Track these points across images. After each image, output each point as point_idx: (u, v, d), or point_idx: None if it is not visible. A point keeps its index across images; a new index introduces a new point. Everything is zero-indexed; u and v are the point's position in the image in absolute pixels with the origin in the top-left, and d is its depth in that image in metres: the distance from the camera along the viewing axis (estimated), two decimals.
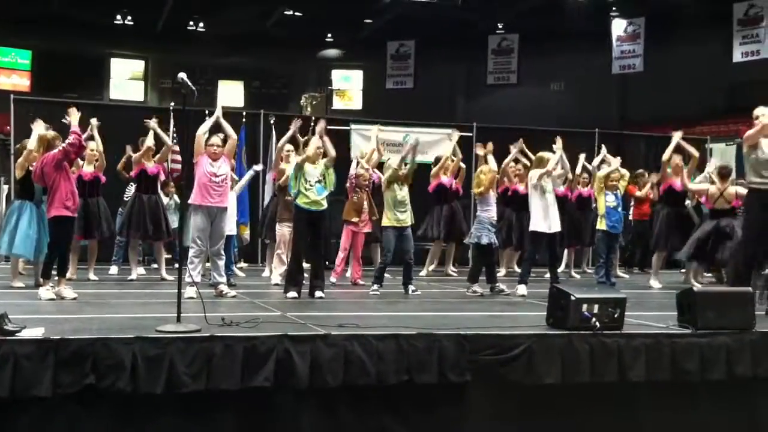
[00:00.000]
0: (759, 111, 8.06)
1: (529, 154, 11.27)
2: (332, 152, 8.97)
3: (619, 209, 10.43)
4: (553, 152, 9.85)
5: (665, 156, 11.08)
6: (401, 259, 9.59)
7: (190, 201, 8.39)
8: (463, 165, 12.35)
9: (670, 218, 11.10)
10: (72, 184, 8.03)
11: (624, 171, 11.39)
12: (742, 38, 24.01)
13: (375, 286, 9.32)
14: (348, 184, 10.64)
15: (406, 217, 9.53)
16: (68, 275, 8.87)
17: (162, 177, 10.90)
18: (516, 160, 11.85)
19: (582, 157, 12.00)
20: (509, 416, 6.10)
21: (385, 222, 9.61)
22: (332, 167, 8.96)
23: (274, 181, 11.27)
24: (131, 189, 11.43)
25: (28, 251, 9.03)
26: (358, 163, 10.80)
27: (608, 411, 6.28)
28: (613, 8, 27.16)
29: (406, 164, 9.82)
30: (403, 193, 9.52)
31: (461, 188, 12.36)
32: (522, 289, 9.40)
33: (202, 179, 8.45)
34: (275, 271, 10.35)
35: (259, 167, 10.82)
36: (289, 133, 9.90)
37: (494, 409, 6.08)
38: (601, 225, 10.39)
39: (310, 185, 8.66)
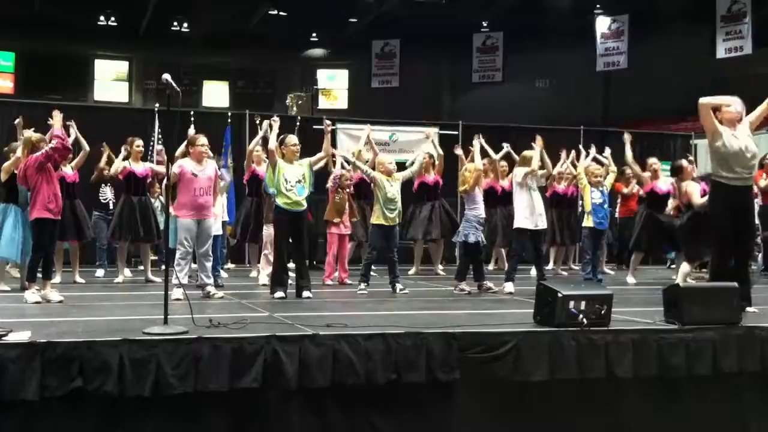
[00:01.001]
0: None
1: (514, 155, 11.28)
2: (329, 150, 9.11)
3: (605, 206, 10.45)
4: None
5: (627, 158, 11.24)
6: (385, 257, 9.58)
7: (174, 213, 8.32)
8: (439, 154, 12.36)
9: (649, 220, 11.12)
10: (55, 186, 7.95)
11: (613, 167, 11.45)
12: (725, 34, 24.11)
13: (362, 285, 9.31)
14: (330, 184, 10.63)
15: (395, 216, 9.49)
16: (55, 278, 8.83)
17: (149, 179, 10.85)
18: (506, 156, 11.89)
19: (563, 154, 12.02)
20: (498, 413, 6.12)
21: (373, 219, 9.59)
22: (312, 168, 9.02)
23: (247, 183, 11.30)
24: (106, 190, 11.35)
25: (13, 254, 8.99)
26: (336, 163, 10.84)
27: (596, 407, 6.30)
28: (597, 5, 27.26)
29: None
30: (393, 190, 9.46)
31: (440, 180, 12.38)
32: (509, 286, 9.43)
33: (186, 191, 8.41)
34: (263, 271, 10.34)
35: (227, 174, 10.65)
36: (260, 135, 10.15)
37: (483, 407, 6.09)
38: (587, 222, 10.42)
39: (291, 186, 8.64)
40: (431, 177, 12.09)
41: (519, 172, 9.72)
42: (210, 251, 8.73)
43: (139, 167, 10.44)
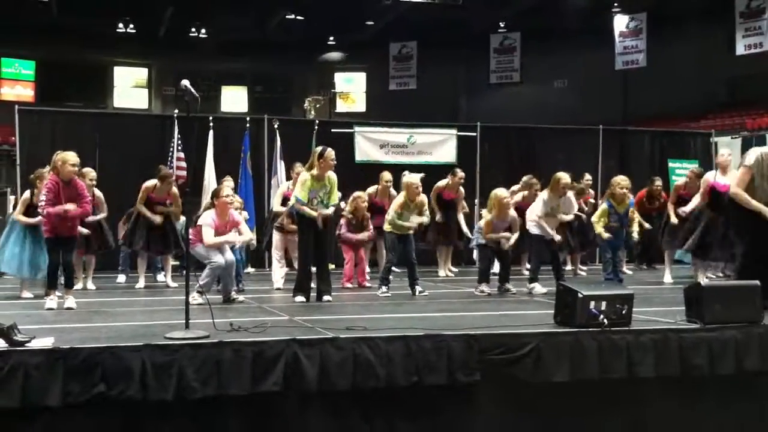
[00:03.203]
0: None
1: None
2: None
3: (621, 228, 10.15)
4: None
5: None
6: (404, 260, 9.59)
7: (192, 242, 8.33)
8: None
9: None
10: (55, 220, 7.89)
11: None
12: (744, 31, 24.00)
13: (384, 288, 9.31)
14: (343, 230, 10.53)
15: (408, 230, 9.55)
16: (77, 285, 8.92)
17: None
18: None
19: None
20: (519, 415, 6.10)
21: (386, 227, 9.60)
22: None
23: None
24: None
25: (14, 268, 9.20)
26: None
27: (618, 407, 6.27)
28: (615, 4, 27.18)
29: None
30: (410, 220, 9.47)
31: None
32: (538, 287, 9.37)
33: (209, 243, 8.48)
34: (275, 275, 10.38)
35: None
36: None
37: (503, 409, 6.08)
38: (601, 233, 10.19)
39: (314, 204, 8.65)
40: (452, 193, 12.17)
41: (536, 205, 9.63)
42: (233, 263, 8.77)
43: (162, 196, 10.49)
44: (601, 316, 6.18)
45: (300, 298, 8.55)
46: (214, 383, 5.38)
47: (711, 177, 10.06)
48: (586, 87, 27.72)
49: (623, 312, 6.31)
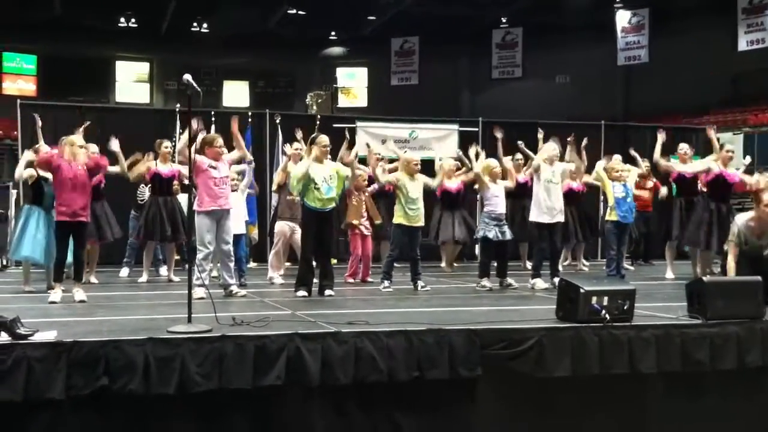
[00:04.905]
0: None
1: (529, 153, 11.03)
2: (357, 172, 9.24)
3: (629, 200, 10.20)
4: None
5: (655, 157, 11.15)
6: (407, 256, 9.57)
7: (194, 208, 8.34)
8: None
9: (682, 208, 11.04)
10: (69, 191, 7.93)
11: (634, 167, 11.31)
12: (747, 27, 23.99)
13: (386, 283, 9.30)
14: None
15: (418, 217, 9.46)
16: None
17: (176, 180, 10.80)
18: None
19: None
20: (520, 410, 6.12)
21: (395, 219, 9.56)
22: (345, 178, 9.01)
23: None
24: (144, 190, 11.40)
25: (37, 253, 8.94)
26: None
27: (619, 403, 6.28)
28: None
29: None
30: (415, 190, 9.46)
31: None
32: (539, 282, 9.37)
33: (205, 182, 8.45)
34: (271, 270, 10.34)
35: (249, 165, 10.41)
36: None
37: (505, 403, 6.09)
38: (611, 216, 10.21)
39: (317, 185, 8.63)
40: (454, 185, 11.92)
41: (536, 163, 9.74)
42: (231, 250, 8.75)
43: (166, 168, 10.46)
44: (603, 312, 6.19)
45: (302, 293, 8.55)
46: (216, 377, 5.40)
47: (714, 166, 10.44)
48: (588, 83, 27.70)
49: (625, 307, 6.33)
